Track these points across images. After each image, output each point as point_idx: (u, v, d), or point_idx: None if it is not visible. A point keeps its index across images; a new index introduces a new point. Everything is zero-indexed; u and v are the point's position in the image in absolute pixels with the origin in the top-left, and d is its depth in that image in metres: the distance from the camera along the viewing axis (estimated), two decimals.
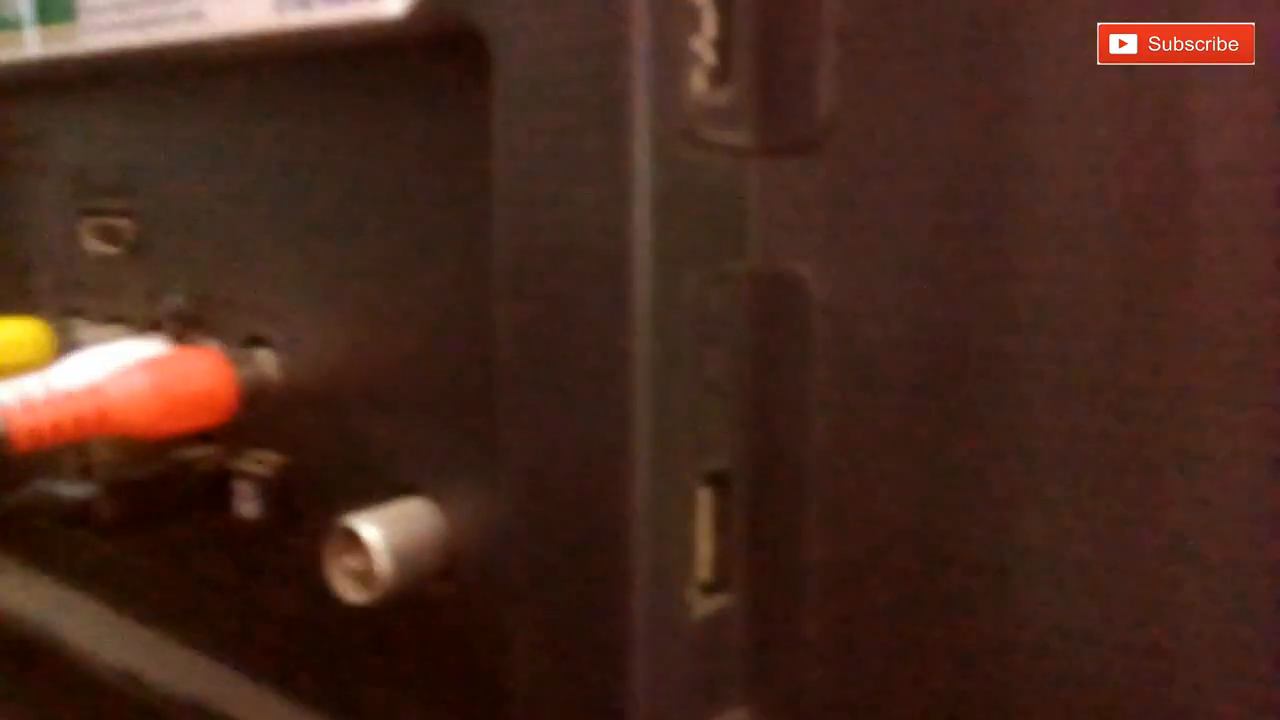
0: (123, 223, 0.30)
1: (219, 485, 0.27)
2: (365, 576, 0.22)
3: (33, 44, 0.28)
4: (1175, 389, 0.16)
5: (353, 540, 0.22)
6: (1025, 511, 0.18)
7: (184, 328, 0.28)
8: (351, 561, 0.22)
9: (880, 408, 0.19)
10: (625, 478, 0.18)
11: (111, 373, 0.23)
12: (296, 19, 0.21)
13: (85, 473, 0.30)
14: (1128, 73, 0.16)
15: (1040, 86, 0.16)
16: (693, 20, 0.17)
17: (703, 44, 0.18)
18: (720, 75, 0.18)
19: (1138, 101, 0.16)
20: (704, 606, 0.19)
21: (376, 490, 0.24)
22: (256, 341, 0.27)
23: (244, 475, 0.27)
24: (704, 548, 0.20)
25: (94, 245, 0.31)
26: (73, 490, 0.26)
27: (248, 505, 0.27)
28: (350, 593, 0.22)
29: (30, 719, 0.34)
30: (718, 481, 0.20)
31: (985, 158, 0.17)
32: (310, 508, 0.26)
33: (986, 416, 0.18)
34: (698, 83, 0.18)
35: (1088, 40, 0.16)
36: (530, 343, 0.18)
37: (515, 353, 0.19)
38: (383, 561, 0.22)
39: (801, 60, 0.18)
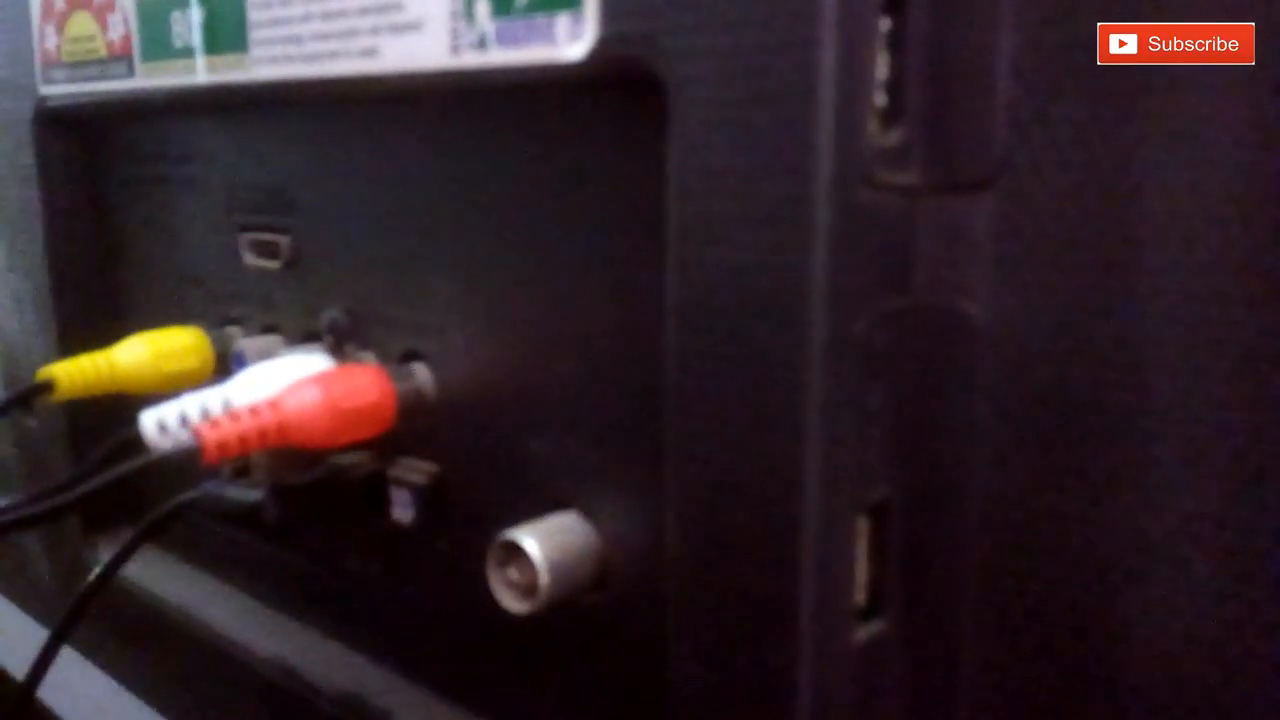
0: (280, 238, 0.32)
1: (376, 491, 0.29)
2: (526, 588, 0.23)
3: (202, 72, 0.30)
4: None
5: (514, 552, 0.23)
6: (1182, 543, 0.18)
7: (341, 340, 0.30)
8: (513, 573, 0.23)
9: (1041, 438, 0.19)
10: (795, 509, 0.18)
11: (286, 388, 0.25)
12: (472, 60, 0.22)
13: (241, 474, 0.32)
14: None
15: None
16: (871, 63, 0.18)
17: (875, 85, 0.18)
18: (890, 116, 0.19)
19: None
20: (862, 632, 0.20)
21: (527, 502, 0.25)
22: (412, 356, 0.28)
23: (399, 482, 0.28)
24: (860, 573, 0.20)
25: (251, 259, 0.33)
26: (241, 493, 0.28)
27: (403, 511, 0.28)
28: (511, 603, 0.23)
29: (187, 709, 0.36)
30: (876, 511, 0.20)
31: (1156, 196, 0.18)
32: (461, 515, 0.27)
33: (1140, 448, 0.18)
34: (870, 125, 0.18)
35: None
36: (702, 375, 0.19)
37: (686, 382, 0.19)
38: (544, 573, 0.23)
39: (974, 99, 0.18)
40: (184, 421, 0.25)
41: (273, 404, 0.24)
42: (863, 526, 0.20)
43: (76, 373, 0.30)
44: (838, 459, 0.19)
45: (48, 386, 0.29)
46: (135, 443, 0.26)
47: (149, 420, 0.25)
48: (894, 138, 0.19)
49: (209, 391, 0.26)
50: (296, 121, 0.30)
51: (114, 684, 0.41)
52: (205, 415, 0.25)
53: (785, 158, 0.17)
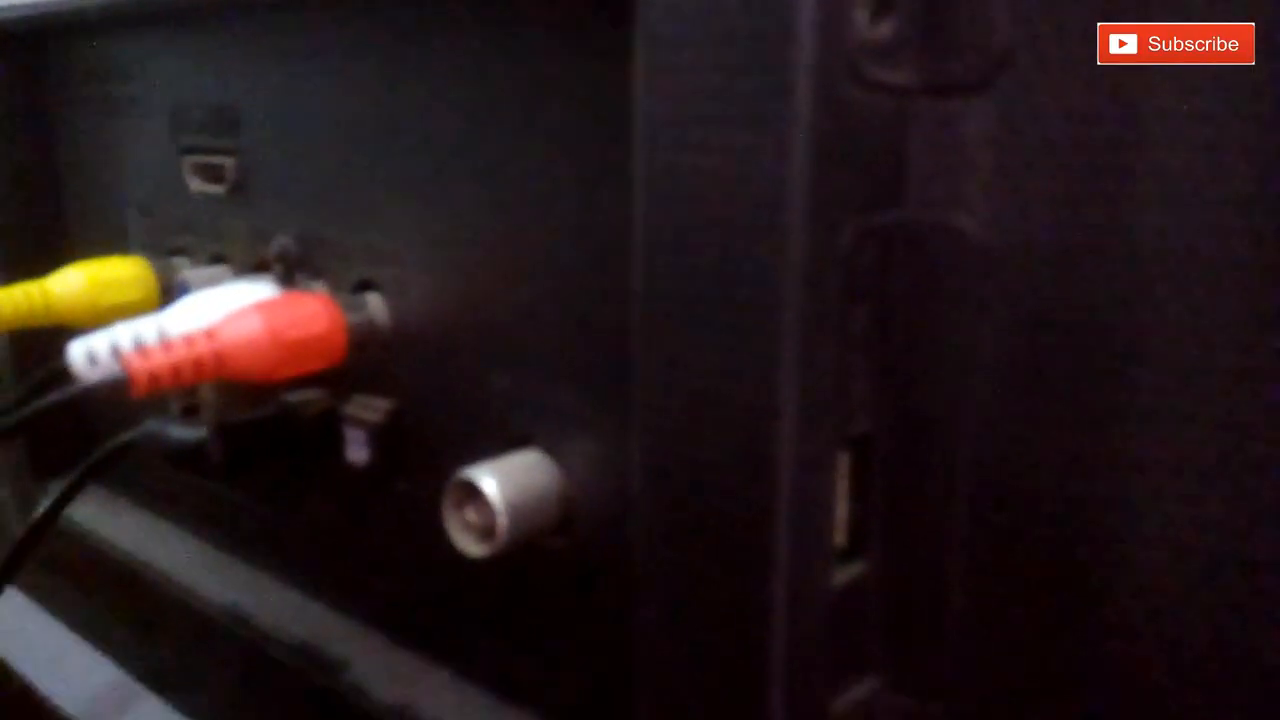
0: (226, 160, 0.29)
1: (328, 429, 0.27)
2: (484, 530, 0.22)
3: None
4: None
5: (472, 493, 0.22)
6: (1181, 479, 0.17)
7: (291, 269, 0.28)
8: (470, 514, 0.22)
9: (1045, 367, 0.17)
10: (771, 442, 0.17)
11: (225, 317, 0.23)
12: None
13: (191, 413, 0.30)
14: None
15: None
16: None
17: None
18: (881, 6, 0.17)
19: None
20: (841, 574, 0.19)
21: (487, 440, 0.24)
22: (365, 286, 0.26)
23: (353, 420, 0.26)
24: (839, 513, 0.19)
25: (196, 184, 0.31)
26: (184, 432, 0.26)
27: (357, 451, 0.26)
28: (469, 545, 0.22)
29: (140, 655, 0.35)
30: (857, 445, 0.19)
31: (1166, 102, 0.16)
32: (419, 454, 0.26)
33: (1143, 377, 0.17)
34: (858, 16, 0.16)
35: None
36: (672, 297, 0.17)
37: (655, 306, 0.18)
38: (502, 515, 0.21)
39: None
40: (115, 351, 0.23)
41: (210, 333, 0.23)
42: (843, 461, 0.19)
43: (7, 302, 0.28)
44: (817, 387, 0.17)
45: None
46: (65, 373, 0.24)
47: (78, 350, 0.23)
48: (884, 30, 0.17)
49: (143, 320, 0.24)
50: (243, 35, 0.28)
51: (67, 631, 0.39)
52: (138, 345, 0.24)
53: (763, 50, 0.15)
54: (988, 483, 0.18)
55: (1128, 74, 0.16)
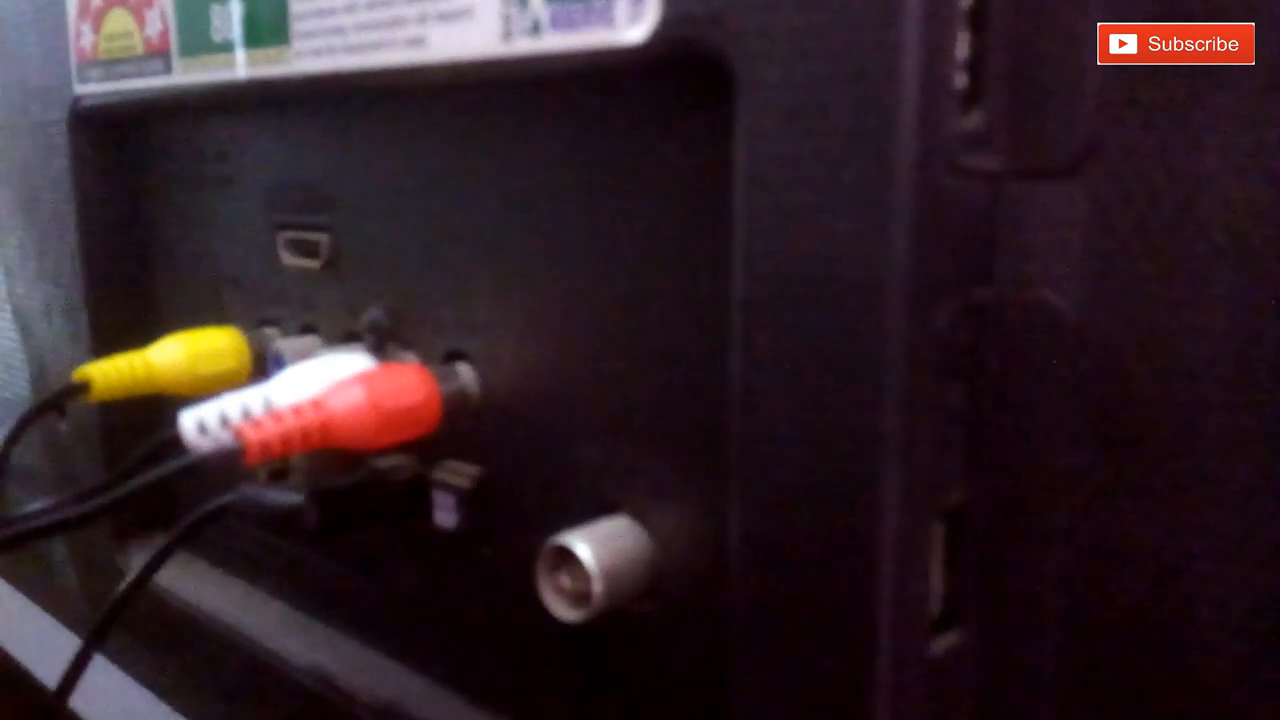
0: (320, 237, 0.31)
1: (418, 494, 0.28)
2: (579, 596, 0.22)
3: (243, 66, 0.29)
4: None
5: (565, 558, 0.22)
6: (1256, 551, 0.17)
7: (383, 340, 0.29)
8: (564, 580, 0.23)
9: (1128, 441, 0.18)
10: (873, 513, 0.17)
11: (330, 387, 0.24)
12: (524, 47, 0.21)
13: (278, 477, 0.31)
14: None
15: None
16: (953, 41, 0.17)
17: (955, 67, 0.17)
18: (971, 98, 0.18)
19: None
20: (938, 644, 0.19)
21: (575, 506, 0.24)
22: (456, 356, 0.27)
23: (442, 485, 0.27)
24: (934, 583, 0.19)
25: (290, 259, 0.32)
26: (281, 497, 0.27)
27: (446, 515, 0.27)
28: (562, 611, 0.22)
29: (222, 716, 0.36)
30: (952, 516, 0.19)
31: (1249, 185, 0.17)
32: (507, 520, 0.27)
33: (1238, 453, 0.17)
34: (951, 107, 0.17)
35: None
36: (772, 373, 0.18)
37: (754, 382, 0.18)
38: (598, 580, 0.22)
39: (1062, 80, 0.17)
40: (224, 422, 0.25)
41: (316, 404, 0.24)
42: (939, 532, 0.19)
43: (113, 373, 0.30)
44: (916, 461, 0.18)
45: (83, 387, 0.29)
46: (174, 443, 0.25)
47: (188, 420, 0.25)
48: (975, 120, 0.18)
49: (250, 391, 0.25)
50: (336, 117, 0.30)
51: (146, 692, 0.40)
52: (246, 415, 0.25)
53: (864, 141, 0.16)
54: (1078, 554, 0.18)
55: (1212, 159, 0.17)
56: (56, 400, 0.29)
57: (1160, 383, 0.17)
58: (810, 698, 0.19)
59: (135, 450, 0.26)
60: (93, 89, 0.36)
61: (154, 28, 0.33)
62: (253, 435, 0.23)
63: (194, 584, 0.38)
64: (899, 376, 0.17)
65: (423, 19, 0.23)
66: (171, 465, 0.22)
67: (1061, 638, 0.19)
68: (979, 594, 0.19)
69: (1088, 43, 0.17)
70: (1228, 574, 0.17)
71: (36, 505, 0.29)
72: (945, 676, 0.19)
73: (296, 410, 0.23)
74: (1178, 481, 0.17)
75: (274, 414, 0.23)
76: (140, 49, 0.33)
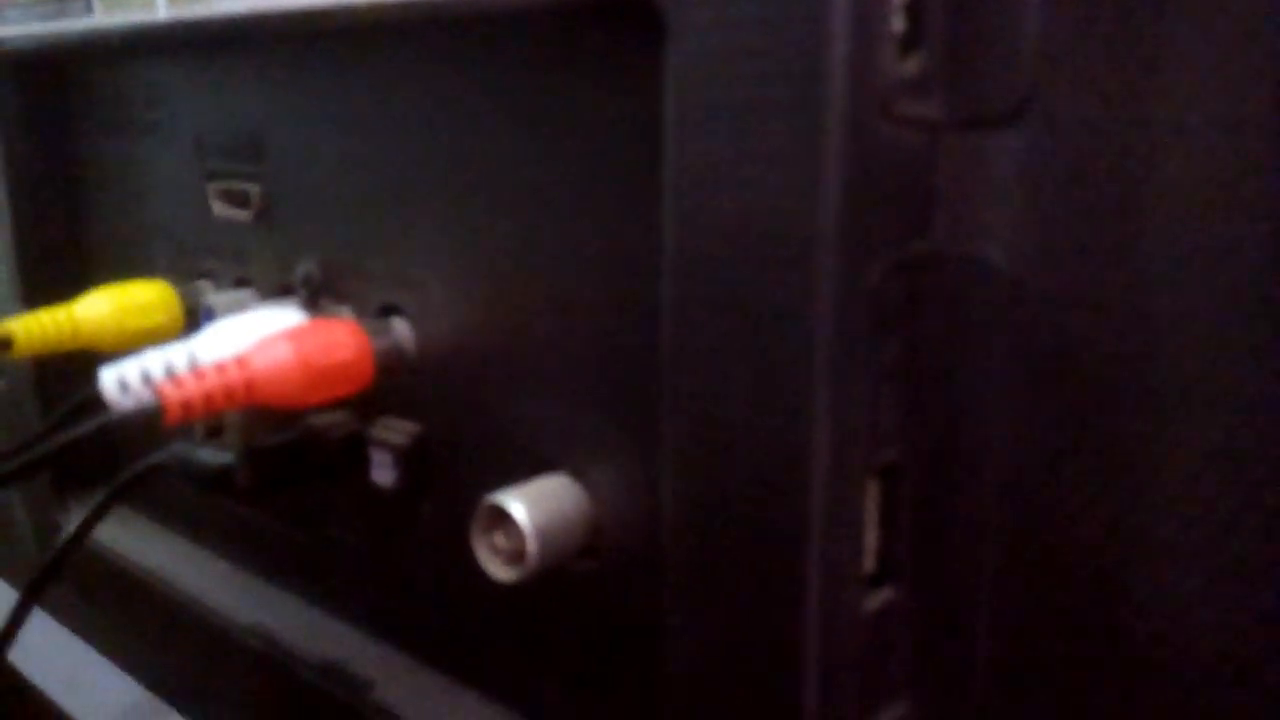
0: (250, 187, 0.30)
1: (354, 452, 0.27)
2: (514, 555, 0.22)
3: (163, 8, 0.28)
4: None
5: (500, 518, 0.22)
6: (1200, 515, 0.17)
7: (316, 294, 0.28)
8: (499, 539, 0.22)
9: (1067, 397, 0.18)
10: (803, 472, 0.17)
11: (256, 344, 0.23)
12: None
13: (215, 434, 0.30)
14: None
15: None
16: None
17: (893, 8, 0.17)
18: (909, 42, 0.17)
19: None
20: (871, 600, 0.19)
21: (514, 464, 0.24)
22: (391, 310, 0.26)
23: (379, 443, 0.27)
24: (869, 540, 0.19)
25: (221, 209, 0.31)
26: (212, 456, 0.26)
27: (383, 473, 0.27)
28: (497, 570, 0.22)
29: (164, 674, 0.35)
30: (886, 473, 0.19)
31: (1192, 126, 0.16)
32: (446, 477, 0.26)
33: (1172, 410, 0.17)
34: (888, 49, 0.17)
35: None
36: (702, 328, 0.18)
37: (685, 337, 0.18)
38: (532, 540, 0.21)
39: (1001, 23, 0.17)
40: (147, 379, 0.24)
41: (241, 361, 0.23)
42: (873, 489, 0.19)
43: (35, 328, 0.28)
44: (848, 418, 0.17)
45: (5, 344, 0.28)
46: (97, 401, 0.24)
47: (109, 378, 0.24)
48: (913, 66, 0.17)
49: (174, 347, 0.24)
50: (265, 62, 0.28)
51: (90, 650, 0.40)
52: (170, 372, 0.24)
53: (794, 89, 0.16)
54: (1014, 511, 0.18)
55: (1157, 106, 0.16)
56: None
57: (1099, 338, 0.17)
58: (743, 656, 0.19)
59: (57, 409, 0.25)
60: (12, 31, 0.34)
61: None
62: (174, 394, 0.22)
63: (138, 542, 0.37)
64: (830, 334, 0.16)
65: None
66: (86, 425, 0.22)
67: (996, 593, 0.19)
68: (914, 550, 0.19)
69: None
70: (1168, 532, 0.17)
71: None
72: (879, 633, 0.19)
73: (220, 368, 0.22)
74: (1117, 437, 0.17)
75: (197, 371, 0.22)
76: None
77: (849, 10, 0.15)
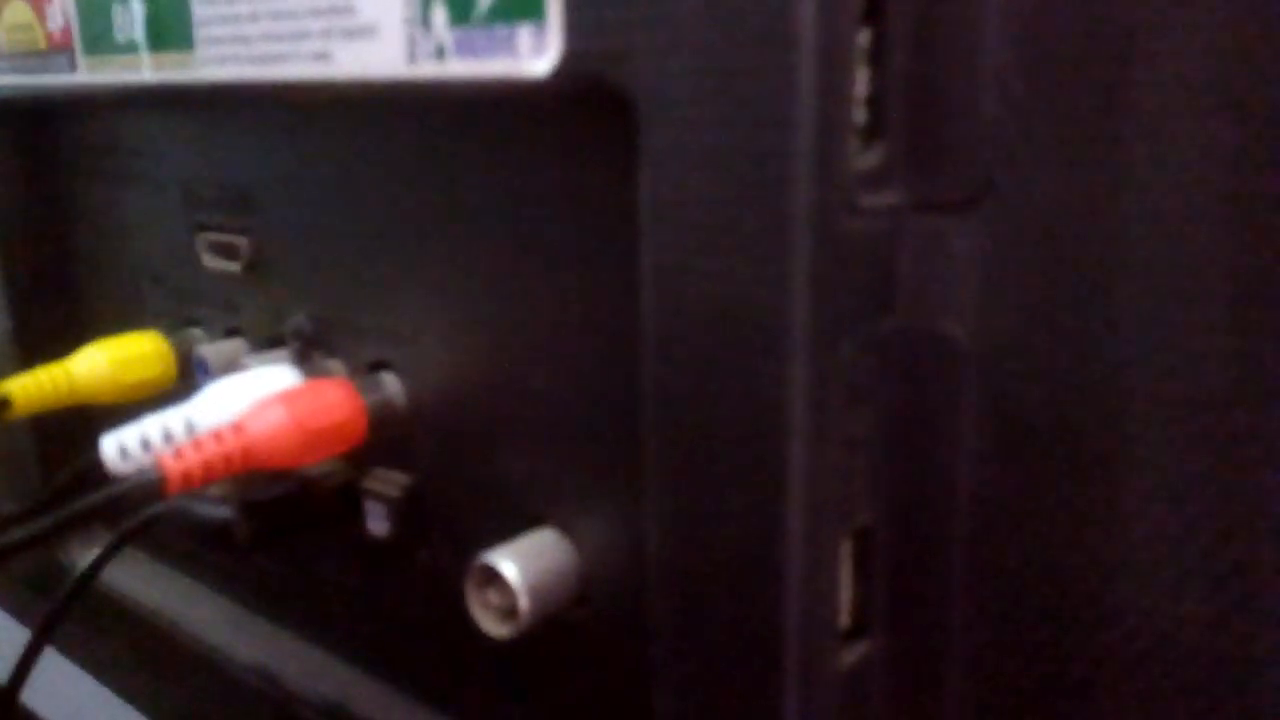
0: (239, 239, 0.30)
1: (348, 502, 0.28)
2: (507, 612, 0.23)
3: (147, 69, 0.28)
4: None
5: (493, 577, 0.23)
6: (1164, 563, 0.18)
7: (307, 347, 0.29)
8: (492, 597, 0.23)
9: (1025, 463, 0.19)
10: (779, 540, 0.18)
11: (251, 409, 0.24)
12: (430, 71, 0.21)
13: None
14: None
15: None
16: (851, 82, 0.17)
17: (855, 102, 0.17)
18: (872, 133, 0.18)
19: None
20: (847, 655, 0.20)
21: (504, 516, 0.25)
22: (381, 365, 0.27)
23: (373, 495, 0.27)
24: (844, 596, 0.20)
25: (210, 260, 0.32)
26: (211, 510, 0.27)
27: (377, 523, 0.27)
28: (491, 626, 0.23)
29: (167, 713, 0.36)
30: (861, 534, 0.20)
31: (1140, 213, 0.17)
32: (440, 527, 0.27)
33: (1125, 467, 0.18)
34: (850, 145, 0.17)
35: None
36: (681, 406, 0.18)
37: (665, 414, 0.19)
38: (524, 598, 0.22)
39: (957, 114, 0.18)
40: (146, 445, 0.24)
41: (237, 427, 0.23)
42: (847, 550, 0.20)
43: (33, 388, 0.29)
44: (822, 487, 0.18)
45: (3, 404, 0.28)
46: (97, 467, 0.25)
47: (110, 445, 0.24)
48: (875, 156, 0.18)
49: (171, 412, 0.25)
50: (253, 118, 0.29)
51: (95, 684, 0.40)
52: (168, 437, 0.25)
53: (762, 185, 0.17)
54: (981, 565, 0.19)
55: (1108, 191, 0.17)
56: None
57: (1050, 410, 0.18)
58: (725, 710, 0.19)
59: (59, 475, 0.25)
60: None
61: (55, 22, 0.32)
62: (174, 465, 0.22)
63: (140, 580, 0.38)
64: (801, 411, 0.17)
65: (327, 34, 0.23)
66: (89, 501, 0.22)
67: (969, 647, 0.20)
68: (888, 605, 0.20)
69: (981, 77, 0.17)
70: (1122, 586, 0.18)
71: None
72: (856, 685, 0.20)
73: (217, 436, 0.23)
74: (1076, 500, 0.18)
75: (195, 441, 0.23)
76: (43, 44, 0.32)
77: (814, 107, 0.16)
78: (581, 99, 0.19)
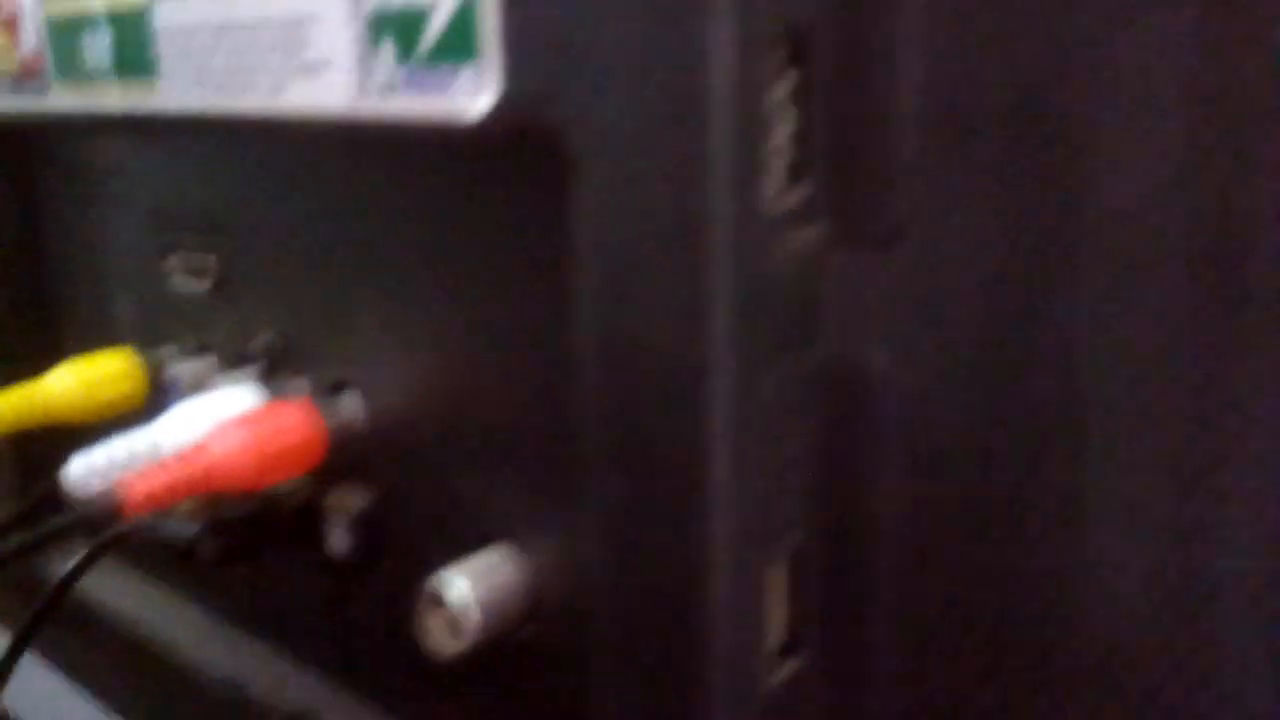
0: (208, 259, 0.31)
1: (311, 519, 0.29)
2: (455, 628, 0.23)
3: (113, 96, 0.29)
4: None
5: (441, 595, 0.23)
6: (1086, 587, 0.19)
7: (275, 365, 0.30)
8: (445, 614, 0.24)
9: (946, 486, 0.19)
10: (705, 568, 0.19)
11: (213, 431, 0.25)
12: (377, 106, 0.21)
13: None
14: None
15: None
16: (772, 120, 0.18)
17: (781, 139, 0.18)
18: (798, 171, 0.18)
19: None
20: (779, 672, 0.21)
21: (460, 531, 0.25)
22: (343, 384, 0.28)
23: (333, 511, 0.28)
24: (777, 614, 0.21)
25: (180, 279, 0.32)
26: (178, 529, 0.28)
27: (339, 539, 0.28)
28: (440, 644, 0.24)
29: (149, 715, 0.37)
30: (794, 555, 0.20)
31: (1061, 245, 0.18)
32: (400, 543, 0.28)
33: (1048, 492, 0.19)
34: (775, 180, 0.18)
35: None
36: (610, 438, 0.19)
37: (595, 444, 0.20)
38: (471, 619, 0.23)
39: (878, 153, 0.18)
40: (112, 467, 0.25)
41: (200, 449, 0.24)
42: (781, 571, 0.20)
43: (6, 409, 0.30)
44: (746, 515, 0.19)
45: None
46: (61, 492, 0.25)
47: (76, 468, 0.25)
48: (801, 193, 0.18)
49: (137, 435, 0.26)
50: (220, 142, 0.30)
51: (72, 686, 0.41)
52: (133, 458, 0.25)
53: (682, 228, 0.17)
54: (908, 587, 0.20)
55: (1025, 228, 0.18)
56: None
57: (969, 435, 0.19)
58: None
59: (27, 497, 0.26)
60: None
61: (28, 46, 0.32)
62: (136, 487, 0.23)
63: (113, 589, 0.39)
64: (725, 444, 0.18)
65: (282, 68, 0.23)
66: (52, 525, 0.23)
67: (896, 657, 0.21)
68: (820, 621, 0.21)
69: (901, 116, 0.18)
70: (1049, 599, 0.19)
71: None
72: (789, 699, 0.21)
73: (180, 458, 0.24)
74: (985, 511, 0.19)
75: (161, 464, 0.24)
76: (15, 67, 0.33)
77: (730, 153, 0.17)
78: (518, 139, 0.20)
